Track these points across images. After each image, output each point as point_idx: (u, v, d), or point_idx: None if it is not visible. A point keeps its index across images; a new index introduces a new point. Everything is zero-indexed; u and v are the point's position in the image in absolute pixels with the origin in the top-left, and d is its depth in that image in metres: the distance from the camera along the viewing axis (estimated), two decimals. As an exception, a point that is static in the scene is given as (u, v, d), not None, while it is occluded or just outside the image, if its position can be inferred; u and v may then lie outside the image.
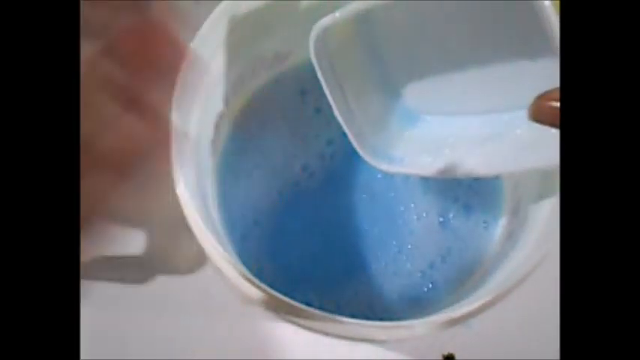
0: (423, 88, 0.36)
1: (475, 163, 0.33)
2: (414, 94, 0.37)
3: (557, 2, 0.24)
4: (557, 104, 0.23)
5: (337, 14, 0.30)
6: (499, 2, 0.29)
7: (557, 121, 0.22)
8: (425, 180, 0.39)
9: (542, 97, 0.24)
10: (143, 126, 0.20)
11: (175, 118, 0.31)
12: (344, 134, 0.35)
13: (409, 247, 0.38)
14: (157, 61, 0.19)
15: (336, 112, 0.34)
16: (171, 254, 0.40)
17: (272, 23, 0.37)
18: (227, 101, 0.38)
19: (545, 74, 0.26)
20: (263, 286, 0.29)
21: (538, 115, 0.25)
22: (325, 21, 0.31)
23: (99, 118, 0.18)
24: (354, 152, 0.36)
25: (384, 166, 0.35)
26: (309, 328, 0.29)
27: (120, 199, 0.19)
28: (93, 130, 0.18)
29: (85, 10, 0.19)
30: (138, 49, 0.19)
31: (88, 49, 0.19)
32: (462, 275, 0.38)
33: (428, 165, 0.35)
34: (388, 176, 0.39)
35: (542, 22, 0.25)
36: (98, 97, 0.19)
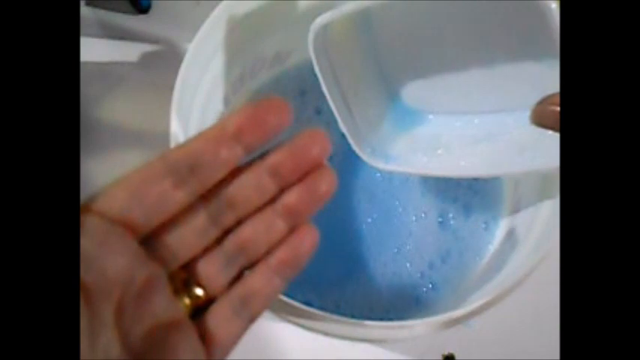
0: (421, 88, 0.36)
1: (471, 163, 0.33)
2: (412, 93, 0.37)
3: (557, 2, 0.24)
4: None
5: (336, 11, 0.30)
6: (500, 2, 0.29)
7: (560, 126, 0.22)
8: (424, 180, 0.39)
9: (545, 102, 0.24)
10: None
11: (175, 118, 0.31)
12: (343, 135, 0.35)
13: (408, 247, 0.38)
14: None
15: (334, 110, 0.34)
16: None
17: (272, 23, 0.37)
18: (227, 101, 0.38)
19: (546, 76, 0.26)
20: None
21: (540, 119, 0.25)
22: (324, 18, 0.31)
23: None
24: (354, 153, 0.36)
25: (380, 165, 0.35)
26: (309, 328, 0.29)
27: None
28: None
29: None
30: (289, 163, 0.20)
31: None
32: (461, 275, 0.38)
33: (423, 164, 0.35)
34: (387, 177, 0.39)
35: (546, 23, 0.24)
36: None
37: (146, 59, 0.45)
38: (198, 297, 0.20)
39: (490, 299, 0.29)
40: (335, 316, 0.28)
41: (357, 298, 0.37)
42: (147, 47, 0.46)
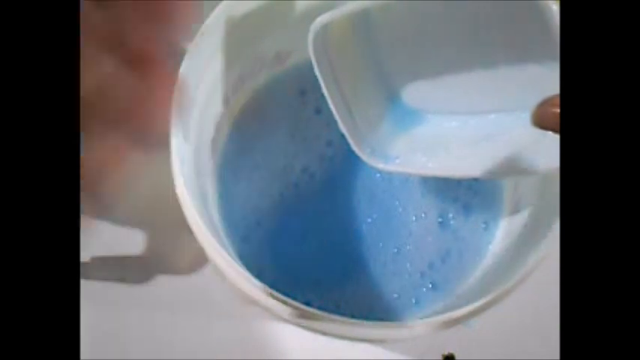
0: (421, 88, 0.36)
1: (470, 164, 0.33)
2: (412, 93, 0.37)
3: (558, 3, 0.24)
4: None
5: (336, 11, 0.30)
6: (500, 2, 0.29)
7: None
8: (424, 180, 0.39)
9: (546, 103, 0.24)
10: (146, 85, 0.19)
11: (175, 118, 0.31)
12: (343, 135, 0.35)
13: (408, 247, 0.38)
14: (154, 11, 0.18)
15: (334, 110, 0.34)
16: (171, 254, 0.40)
17: (272, 23, 0.37)
18: (227, 101, 0.38)
19: (546, 77, 0.26)
20: (263, 286, 0.29)
21: (541, 120, 0.25)
22: (324, 18, 0.31)
23: (97, 75, 0.17)
24: (354, 153, 0.36)
25: (380, 165, 0.35)
26: (309, 328, 0.29)
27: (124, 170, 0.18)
28: (92, 88, 0.17)
29: None
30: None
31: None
32: (461, 275, 0.38)
33: (422, 164, 0.35)
34: (387, 177, 0.39)
35: (546, 24, 0.24)
36: (92, 51, 0.18)
37: (146, 59, 0.45)
38: None
39: (490, 299, 0.29)
40: (335, 316, 0.28)
41: (357, 298, 0.37)
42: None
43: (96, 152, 0.18)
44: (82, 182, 0.17)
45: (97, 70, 0.18)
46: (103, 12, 0.18)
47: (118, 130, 0.18)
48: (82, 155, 0.17)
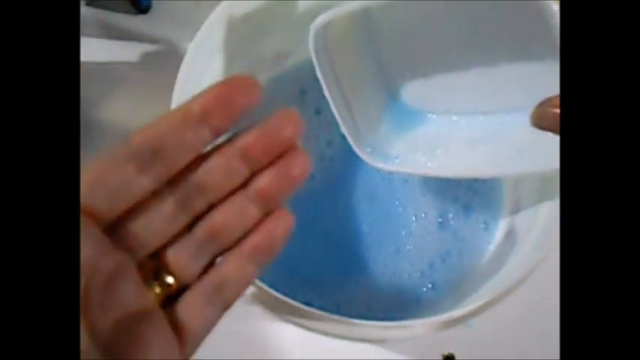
0: (421, 88, 0.36)
1: (470, 164, 0.33)
2: (412, 93, 0.37)
3: (558, 3, 0.24)
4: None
5: (337, 10, 0.30)
6: (500, 2, 0.28)
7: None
8: (424, 181, 0.39)
9: (545, 104, 0.24)
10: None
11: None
12: (343, 135, 0.35)
13: (408, 247, 0.38)
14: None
15: (334, 110, 0.34)
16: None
17: (272, 23, 0.37)
18: (227, 101, 0.38)
19: (546, 77, 0.26)
20: (263, 286, 0.29)
21: (540, 121, 0.25)
22: (324, 17, 0.31)
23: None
24: (354, 153, 0.36)
25: (380, 165, 0.35)
26: (309, 328, 0.29)
27: None
28: None
29: None
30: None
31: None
32: (461, 275, 0.38)
33: (422, 164, 0.35)
34: (387, 177, 0.39)
35: (546, 24, 0.24)
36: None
37: (146, 59, 0.45)
38: (169, 285, 0.19)
39: (490, 299, 0.29)
40: (335, 316, 0.28)
41: (357, 298, 0.37)
42: (147, 47, 0.46)
43: None
44: None
45: (228, 206, 0.19)
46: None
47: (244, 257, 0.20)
48: None
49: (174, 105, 0.31)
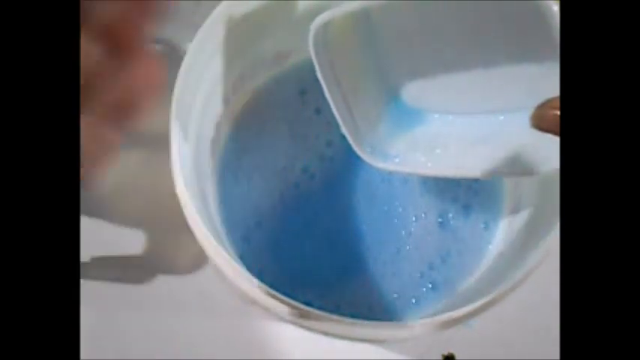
0: (421, 87, 0.36)
1: (470, 164, 0.33)
2: (412, 92, 0.37)
3: (558, 3, 0.24)
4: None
5: (337, 9, 0.31)
6: (500, 2, 0.28)
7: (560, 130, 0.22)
8: (424, 180, 0.39)
9: (545, 105, 0.24)
10: (140, 74, 0.19)
11: (175, 118, 0.31)
12: (343, 136, 0.35)
13: (408, 248, 0.38)
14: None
15: (334, 110, 0.34)
16: (171, 254, 0.40)
17: (272, 23, 0.37)
18: (227, 101, 0.38)
19: (546, 77, 0.26)
20: (263, 286, 0.29)
21: (540, 122, 0.25)
22: (324, 17, 0.31)
23: (85, 65, 0.17)
24: (354, 153, 0.36)
25: (380, 164, 0.35)
26: (309, 328, 0.29)
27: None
28: (84, 81, 0.17)
29: None
30: None
31: None
32: (461, 275, 0.38)
33: (422, 164, 0.35)
34: (387, 177, 0.39)
35: (546, 24, 0.24)
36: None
37: (146, 59, 0.45)
38: None
39: (490, 299, 0.29)
40: (335, 316, 0.28)
41: (357, 298, 0.37)
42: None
43: (88, 145, 0.17)
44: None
45: (85, 61, 0.17)
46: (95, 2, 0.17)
47: (107, 121, 0.18)
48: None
49: (174, 105, 0.31)
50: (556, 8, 0.24)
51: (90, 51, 0.18)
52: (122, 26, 0.18)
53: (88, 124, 0.17)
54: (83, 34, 0.17)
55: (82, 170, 0.17)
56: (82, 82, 0.17)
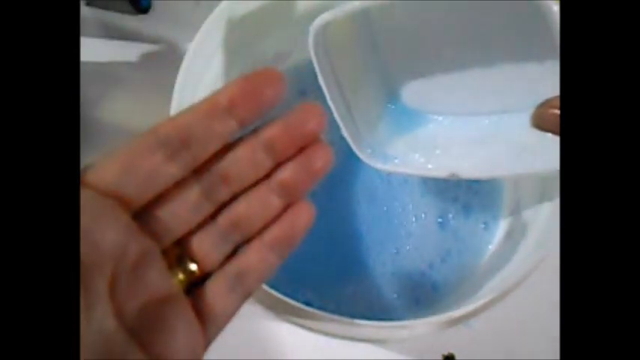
0: (420, 88, 0.36)
1: (469, 165, 0.33)
2: (411, 93, 0.36)
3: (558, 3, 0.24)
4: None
5: (337, 10, 0.30)
6: (500, 2, 0.28)
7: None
8: (424, 181, 0.39)
9: (546, 105, 0.24)
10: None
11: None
12: (343, 136, 0.35)
13: (408, 247, 0.38)
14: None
15: (334, 111, 0.34)
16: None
17: (272, 23, 0.37)
18: (227, 101, 0.38)
19: (546, 77, 0.26)
20: (263, 286, 0.29)
21: (541, 122, 0.25)
22: (324, 18, 0.31)
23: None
24: (354, 154, 0.36)
25: (379, 165, 0.35)
26: (309, 328, 0.29)
27: None
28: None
29: None
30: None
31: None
32: (461, 275, 0.38)
33: (421, 165, 0.35)
34: (387, 178, 0.39)
35: (546, 24, 0.24)
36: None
37: (146, 59, 0.45)
38: (192, 272, 0.20)
39: (490, 299, 0.29)
40: (335, 316, 0.28)
41: (357, 298, 0.37)
42: (147, 47, 0.46)
43: None
44: None
45: (252, 197, 0.20)
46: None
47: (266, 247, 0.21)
48: None
49: (174, 105, 0.31)
50: (556, 8, 0.24)
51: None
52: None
53: None
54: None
55: None
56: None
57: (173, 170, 0.18)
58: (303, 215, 0.20)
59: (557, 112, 0.24)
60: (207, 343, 0.20)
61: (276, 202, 0.20)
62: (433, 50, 0.34)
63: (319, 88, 0.34)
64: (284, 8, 0.36)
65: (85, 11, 0.47)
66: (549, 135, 0.24)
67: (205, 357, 0.19)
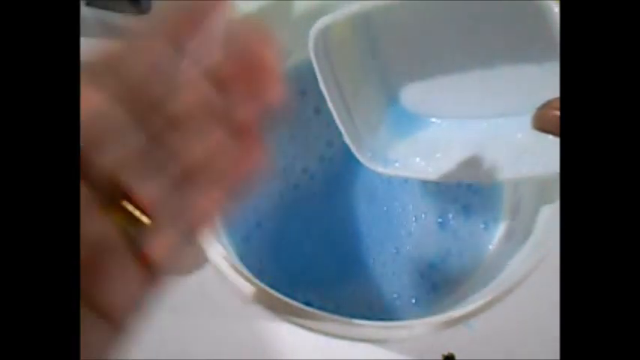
0: (420, 91, 0.36)
1: (470, 168, 0.33)
2: (411, 96, 0.37)
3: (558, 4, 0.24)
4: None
5: (337, 13, 0.30)
6: (500, 4, 0.28)
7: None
8: (424, 181, 0.39)
9: (546, 106, 0.24)
10: (245, 155, 0.20)
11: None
12: (343, 136, 0.35)
13: (408, 247, 0.38)
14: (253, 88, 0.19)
15: (334, 114, 0.34)
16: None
17: (272, 23, 0.37)
18: (227, 101, 0.38)
19: (546, 79, 0.26)
20: (263, 286, 0.29)
21: (541, 123, 0.25)
22: (325, 19, 0.31)
23: (205, 146, 0.18)
24: (354, 154, 0.36)
25: (379, 169, 0.35)
26: (309, 328, 0.29)
27: None
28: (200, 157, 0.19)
29: None
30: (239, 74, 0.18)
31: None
32: (461, 276, 0.38)
33: (421, 168, 0.35)
34: (387, 178, 0.39)
35: (546, 26, 0.24)
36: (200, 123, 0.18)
37: (146, 59, 0.45)
38: (134, 218, 0.18)
39: (490, 299, 0.29)
40: (335, 316, 0.28)
41: (357, 298, 0.37)
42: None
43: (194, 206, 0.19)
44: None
45: (205, 141, 0.19)
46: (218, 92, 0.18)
47: (216, 189, 0.19)
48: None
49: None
50: (556, 9, 0.24)
51: (211, 132, 0.19)
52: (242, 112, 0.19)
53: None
54: (205, 117, 0.18)
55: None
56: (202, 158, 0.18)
57: (97, 97, 0.17)
58: (255, 151, 0.19)
59: (558, 113, 0.24)
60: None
61: (225, 140, 0.19)
62: (433, 53, 0.34)
63: (319, 88, 0.34)
64: (284, 8, 0.36)
65: (85, 11, 0.47)
66: (549, 138, 0.24)
67: (205, 357, 0.19)
